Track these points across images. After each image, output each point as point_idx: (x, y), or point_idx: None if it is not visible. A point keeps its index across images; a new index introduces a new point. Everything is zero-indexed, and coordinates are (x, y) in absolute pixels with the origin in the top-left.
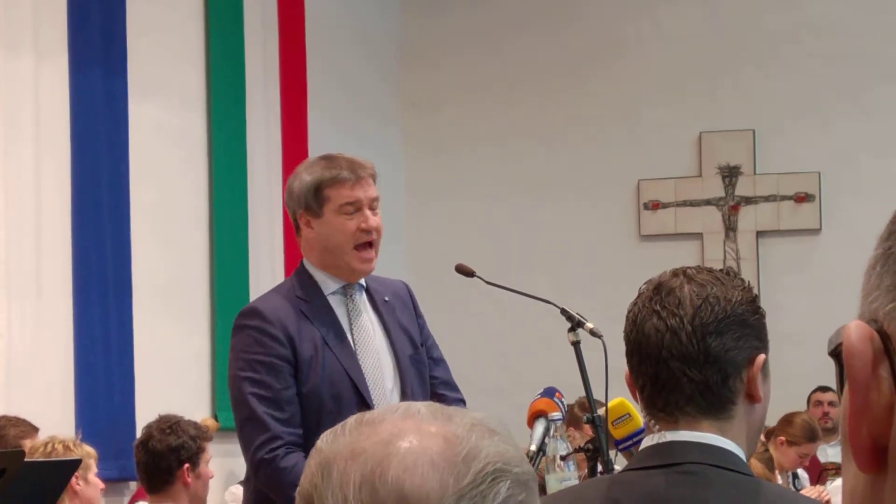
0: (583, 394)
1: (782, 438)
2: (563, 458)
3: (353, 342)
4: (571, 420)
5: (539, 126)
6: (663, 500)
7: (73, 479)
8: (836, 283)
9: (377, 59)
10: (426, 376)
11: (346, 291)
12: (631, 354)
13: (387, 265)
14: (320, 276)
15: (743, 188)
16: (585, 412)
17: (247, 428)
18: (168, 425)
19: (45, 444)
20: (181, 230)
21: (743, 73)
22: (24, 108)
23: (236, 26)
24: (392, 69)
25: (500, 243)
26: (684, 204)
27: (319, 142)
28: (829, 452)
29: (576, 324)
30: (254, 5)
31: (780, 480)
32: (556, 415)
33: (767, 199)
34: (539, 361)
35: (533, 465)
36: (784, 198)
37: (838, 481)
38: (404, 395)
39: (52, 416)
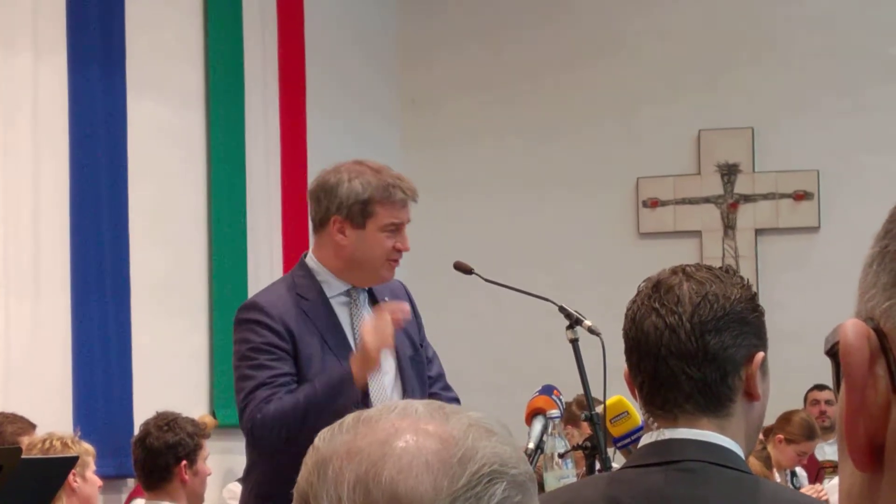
0: (581, 391)
1: (781, 436)
2: (561, 456)
3: (355, 341)
4: (570, 418)
5: (537, 123)
6: (662, 498)
7: (71, 477)
8: (835, 281)
9: (376, 56)
10: (425, 377)
11: (350, 294)
12: (630, 352)
13: None
14: (325, 277)
15: (742, 186)
16: (584, 410)
17: (241, 410)
18: (166, 422)
19: (43, 441)
20: (180, 228)
21: (742, 70)
22: (23, 106)
23: (235, 24)
24: (390, 67)
25: (498, 240)
26: (683, 202)
27: (318, 139)
28: (827, 450)
29: (574, 321)
30: (253, 3)
31: (778, 478)
32: (555, 412)
33: (766, 196)
34: (537, 359)
35: (531, 462)
36: (783, 196)
37: (836, 479)
38: (405, 397)
39: (50, 413)
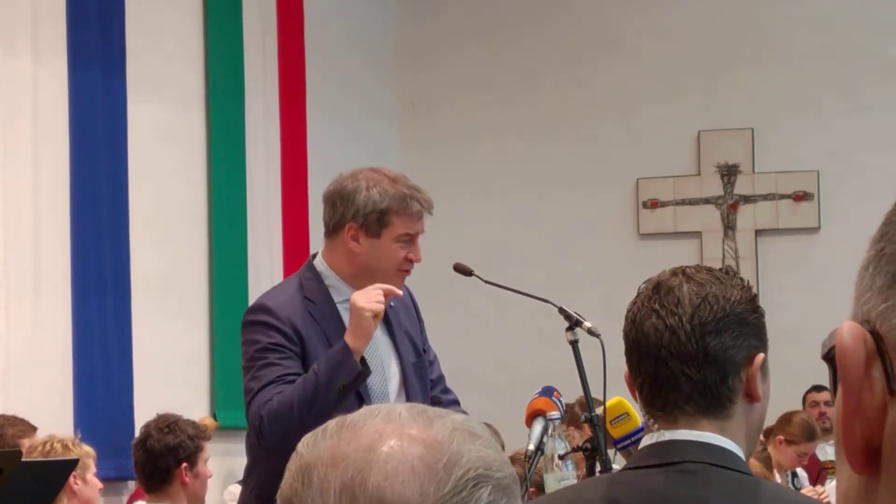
0: (582, 393)
1: (781, 437)
2: (561, 458)
3: None
4: (572, 419)
5: (537, 125)
6: (662, 499)
7: (72, 479)
8: (835, 282)
9: (375, 58)
10: (427, 383)
11: None
12: (630, 353)
13: None
14: (334, 281)
15: (742, 187)
16: (586, 411)
17: (248, 408)
18: (166, 424)
19: (44, 444)
20: (180, 229)
21: (741, 71)
22: (23, 108)
23: (235, 26)
24: (390, 68)
25: (498, 242)
26: (683, 202)
27: (318, 141)
28: (829, 451)
29: (574, 323)
30: (252, 5)
31: (779, 479)
32: (555, 414)
33: (766, 197)
34: (537, 360)
35: (531, 464)
36: (783, 196)
37: None
38: (407, 400)
39: (50, 415)
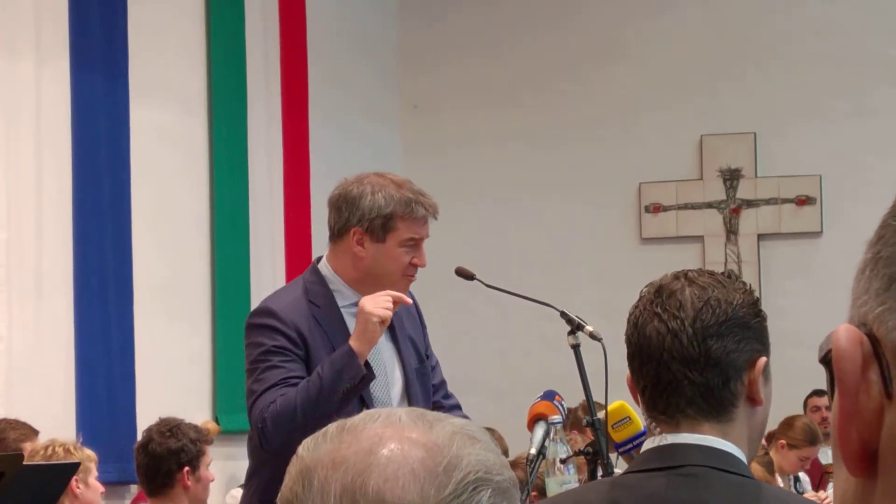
0: (584, 397)
1: (783, 442)
2: (563, 462)
3: None
4: (574, 423)
5: (539, 129)
6: (664, 503)
7: (74, 483)
8: (837, 286)
9: (377, 62)
10: (430, 389)
11: None
12: (632, 357)
13: None
14: (338, 286)
15: (744, 191)
16: (588, 415)
17: (251, 411)
18: (168, 428)
19: (46, 448)
20: (182, 232)
21: (744, 75)
22: (26, 111)
23: (237, 29)
24: (392, 72)
25: (500, 246)
26: (685, 207)
27: (320, 144)
28: (831, 455)
29: (576, 327)
30: (255, 9)
31: (781, 484)
32: (557, 418)
33: (768, 201)
34: (539, 364)
35: (533, 468)
36: (785, 201)
37: None
38: (409, 404)
39: (52, 418)
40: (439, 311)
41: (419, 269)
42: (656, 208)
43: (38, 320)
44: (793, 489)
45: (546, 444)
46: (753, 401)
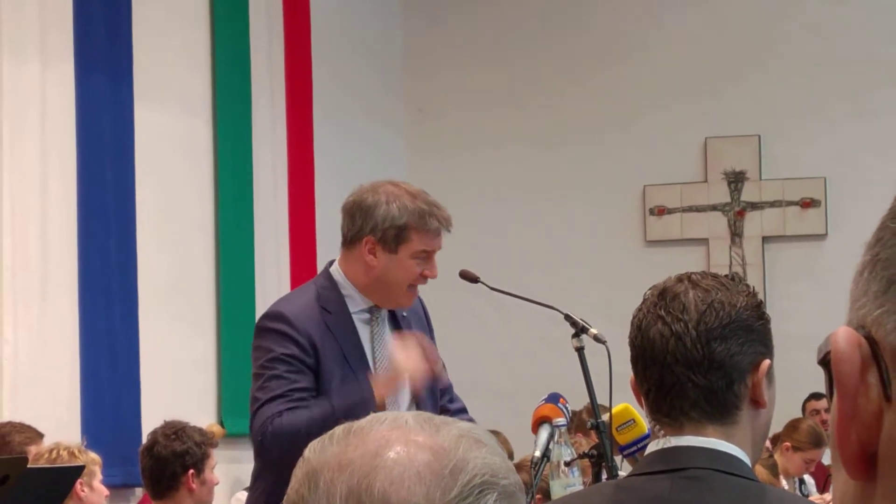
0: (588, 400)
1: (788, 444)
2: (567, 465)
3: (374, 361)
4: (579, 426)
5: (543, 131)
6: None
7: (78, 486)
8: (842, 289)
9: (381, 65)
10: (437, 391)
11: (373, 312)
12: (636, 360)
13: None
14: (350, 291)
15: (749, 193)
16: (592, 418)
17: (254, 417)
18: (173, 431)
19: (50, 451)
20: (187, 235)
21: (748, 77)
22: (31, 113)
23: (242, 32)
24: (396, 75)
25: (504, 248)
26: (690, 209)
27: (324, 147)
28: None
29: (580, 329)
30: (259, 11)
31: (786, 486)
32: (561, 420)
33: (773, 204)
34: (543, 367)
35: (537, 470)
36: (790, 203)
37: None
38: (417, 408)
39: (57, 422)
40: (443, 314)
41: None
42: (661, 211)
43: (43, 323)
44: (798, 492)
45: (550, 446)
46: (757, 403)
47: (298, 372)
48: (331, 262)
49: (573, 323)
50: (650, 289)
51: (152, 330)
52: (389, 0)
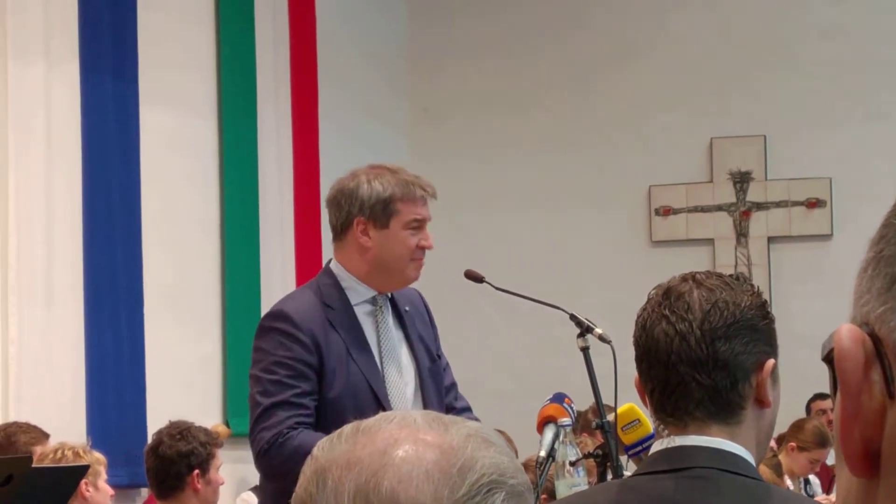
0: (594, 400)
1: (793, 444)
2: (572, 464)
3: (380, 354)
4: (584, 426)
5: (549, 133)
6: None
7: (83, 486)
8: (848, 289)
9: (386, 68)
10: (442, 388)
11: (376, 302)
12: (640, 359)
13: None
14: (350, 283)
15: (754, 194)
16: (597, 418)
17: (256, 422)
18: (178, 431)
19: (55, 451)
20: (192, 238)
21: (754, 78)
22: (36, 116)
23: (247, 35)
24: (401, 78)
25: (509, 249)
26: (695, 210)
27: (330, 149)
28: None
29: (585, 329)
30: (264, 14)
31: (791, 486)
32: (566, 420)
33: (779, 204)
34: (548, 367)
35: (542, 470)
36: (795, 203)
37: None
38: (425, 408)
39: (62, 422)
40: (448, 315)
41: (428, 273)
42: (666, 211)
43: (49, 324)
44: (803, 492)
45: (556, 446)
46: (761, 403)
47: (299, 376)
48: (329, 260)
49: (578, 323)
50: (654, 288)
51: (157, 330)
52: (394, 1)
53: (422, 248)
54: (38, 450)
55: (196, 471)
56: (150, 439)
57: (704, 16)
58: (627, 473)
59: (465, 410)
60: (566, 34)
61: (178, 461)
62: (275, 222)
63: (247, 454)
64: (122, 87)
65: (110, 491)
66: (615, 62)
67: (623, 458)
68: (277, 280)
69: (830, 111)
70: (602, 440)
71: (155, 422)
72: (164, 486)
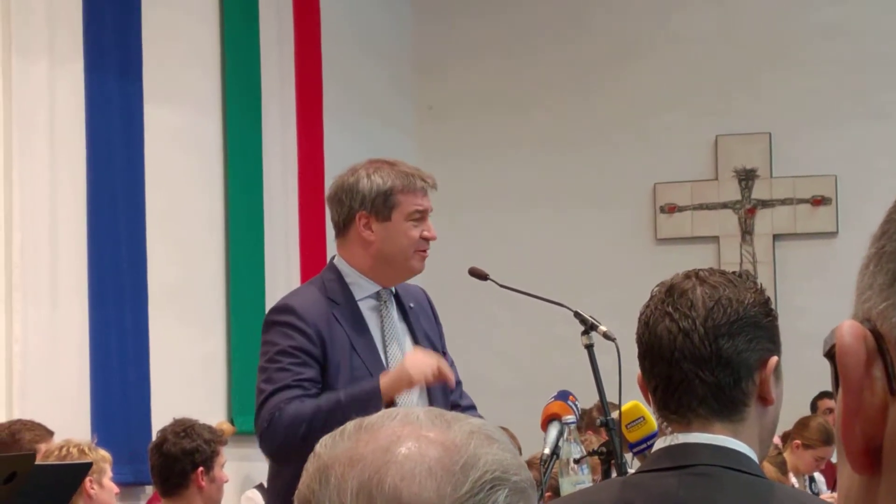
0: (598, 397)
1: (798, 442)
2: (577, 462)
3: (385, 350)
4: (589, 423)
5: (554, 131)
6: (676, 502)
7: (88, 483)
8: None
9: (391, 66)
10: (448, 389)
11: (380, 297)
12: (643, 356)
13: None
14: (354, 278)
15: (759, 191)
16: (602, 415)
17: (259, 408)
18: (183, 429)
19: (60, 448)
20: (196, 235)
21: (758, 76)
22: (40, 113)
23: (252, 32)
24: (405, 77)
25: (514, 247)
26: (700, 207)
27: (334, 148)
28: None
29: (589, 327)
30: (269, 12)
31: (796, 484)
32: (570, 418)
33: (784, 202)
34: (553, 364)
35: (547, 468)
36: (800, 201)
37: None
38: (429, 404)
39: (67, 419)
40: (453, 313)
41: (432, 271)
42: (671, 209)
43: (53, 322)
44: (808, 489)
45: (560, 444)
46: (765, 400)
47: (304, 364)
48: (333, 257)
49: (583, 320)
50: (658, 285)
51: (162, 328)
52: (399, 0)
53: (425, 239)
54: (42, 447)
55: (200, 468)
56: (154, 437)
57: (706, 15)
58: (632, 471)
59: (470, 408)
60: (570, 33)
61: (183, 459)
62: (279, 220)
63: (251, 452)
64: (126, 84)
65: (115, 488)
66: (620, 60)
67: (627, 456)
68: (282, 278)
69: (835, 109)
70: (606, 437)
71: (159, 419)
72: (169, 484)
